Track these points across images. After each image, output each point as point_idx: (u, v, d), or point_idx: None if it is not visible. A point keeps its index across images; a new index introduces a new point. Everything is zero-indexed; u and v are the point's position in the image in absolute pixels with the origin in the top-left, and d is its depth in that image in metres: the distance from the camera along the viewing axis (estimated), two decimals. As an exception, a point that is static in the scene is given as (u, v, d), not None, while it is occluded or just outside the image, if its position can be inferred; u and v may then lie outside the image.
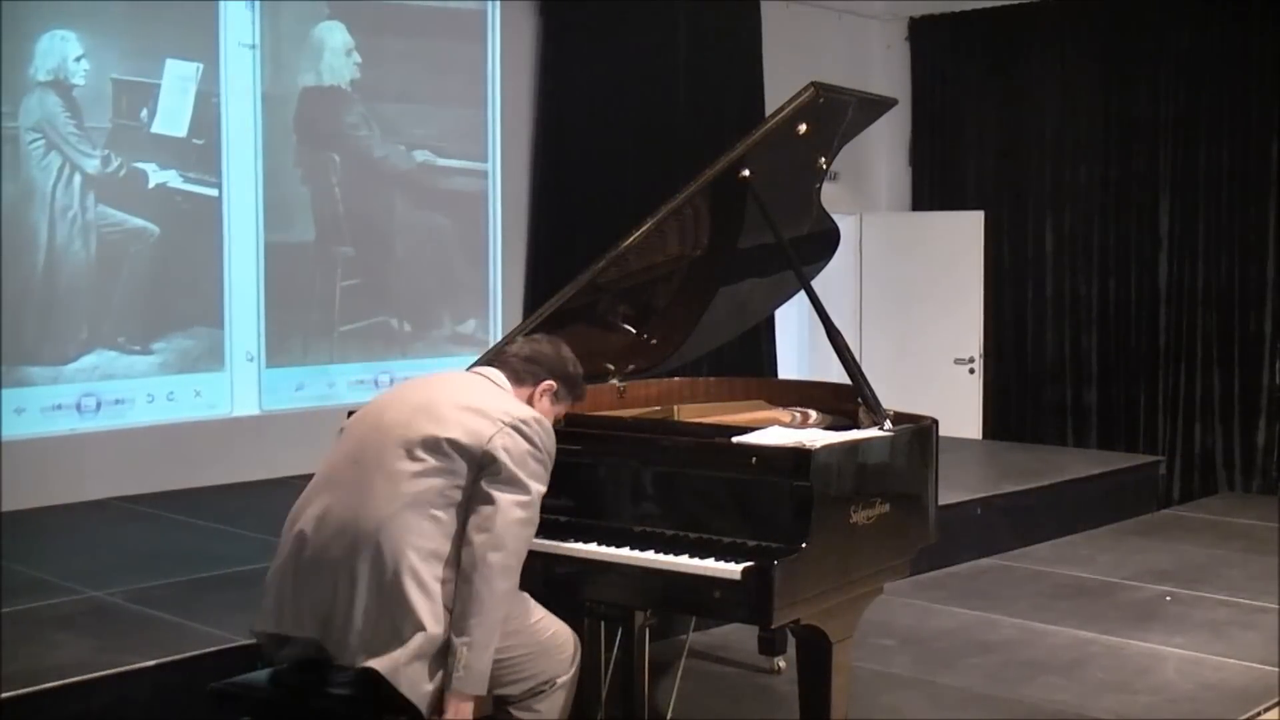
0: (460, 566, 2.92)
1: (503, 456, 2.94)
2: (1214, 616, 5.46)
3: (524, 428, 2.99)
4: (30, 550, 5.30)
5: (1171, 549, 6.68)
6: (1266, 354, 8.56)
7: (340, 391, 7.24)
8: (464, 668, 2.86)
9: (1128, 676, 4.72)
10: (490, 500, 2.93)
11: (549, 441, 3.04)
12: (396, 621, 2.88)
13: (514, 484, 2.95)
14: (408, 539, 2.91)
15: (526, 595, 3.14)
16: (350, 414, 3.29)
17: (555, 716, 3.17)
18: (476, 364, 3.36)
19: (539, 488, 3.00)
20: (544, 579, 3.30)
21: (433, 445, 2.96)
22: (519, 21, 7.94)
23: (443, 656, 2.89)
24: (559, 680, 3.14)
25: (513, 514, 2.93)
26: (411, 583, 2.88)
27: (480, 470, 2.95)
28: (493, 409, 3.01)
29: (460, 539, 2.94)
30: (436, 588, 2.90)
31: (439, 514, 2.93)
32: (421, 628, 2.87)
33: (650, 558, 3.18)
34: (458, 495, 2.96)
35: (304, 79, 7.20)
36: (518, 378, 3.20)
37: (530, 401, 3.18)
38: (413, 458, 2.96)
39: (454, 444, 2.95)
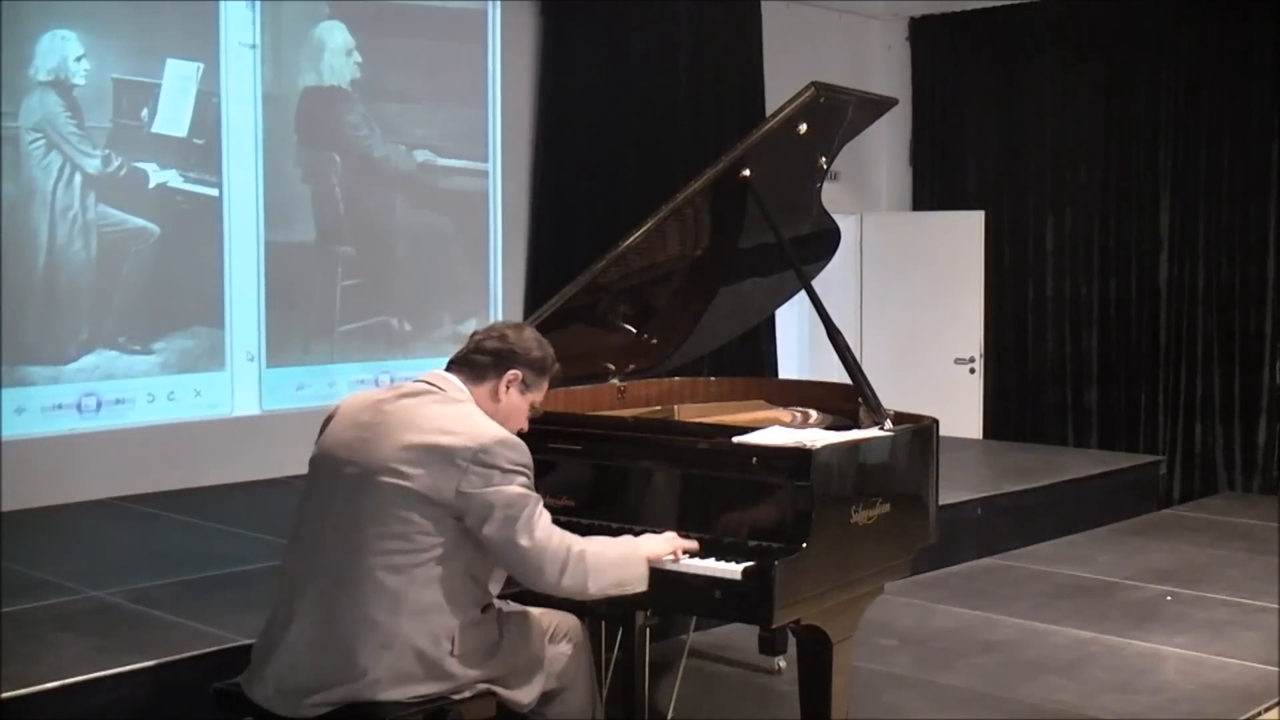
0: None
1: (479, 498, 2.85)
2: (1214, 616, 5.46)
3: (484, 456, 2.86)
4: (30, 550, 5.29)
5: (1171, 549, 6.68)
6: (1266, 354, 8.56)
7: (341, 391, 7.23)
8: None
9: (1128, 676, 4.72)
10: (499, 542, 2.87)
11: (518, 455, 2.91)
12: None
13: (501, 510, 2.87)
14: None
15: (526, 608, 3.14)
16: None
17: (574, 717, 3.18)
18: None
19: (524, 492, 2.90)
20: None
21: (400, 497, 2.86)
22: (519, 21, 7.94)
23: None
24: (568, 684, 3.16)
25: (522, 537, 2.87)
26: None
27: (462, 516, 2.87)
28: (446, 443, 2.87)
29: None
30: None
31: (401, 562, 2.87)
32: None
33: (650, 558, 3.17)
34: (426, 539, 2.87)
35: (304, 79, 7.20)
36: (479, 374, 3.05)
37: (495, 395, 3.05)
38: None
39: (414, 495, 2.85)
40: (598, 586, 2.95)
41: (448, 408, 2.97)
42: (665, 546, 3.11)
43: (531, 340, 3.11)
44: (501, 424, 3.00)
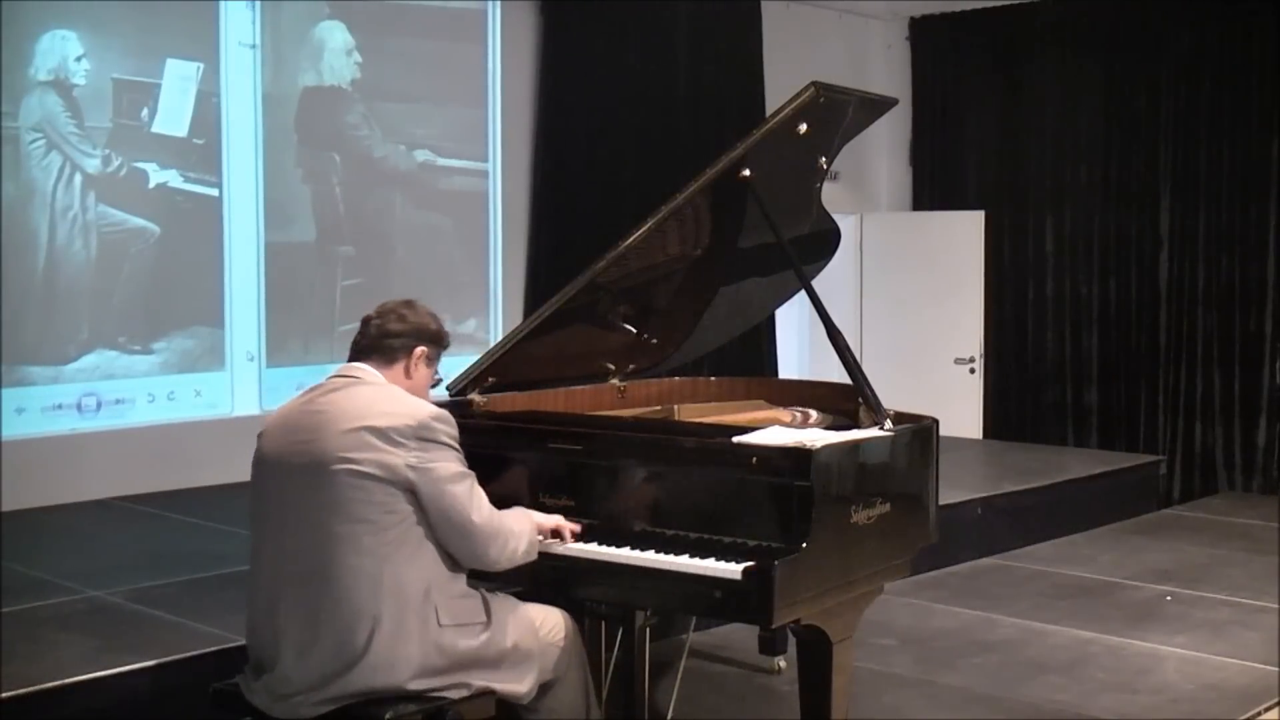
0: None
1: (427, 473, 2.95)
2: (1214, 616, 5.46)
3: (425, 432, 2.97)
4: (30, 550, 5.29)
5: (1171, 549, 6.68)
6: (1266, 354, 8.56)
7: (340, 391, 7.23)
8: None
9: (1128, 676, 4.72)
10: (452, 520, 2.97)
11: (453, 429, 3.03)
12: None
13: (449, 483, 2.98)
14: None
15: (513, 598, 3.17)
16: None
17: (566, 712, 3.18)
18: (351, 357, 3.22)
19: (464, 470, 3.03)
20: (544, 578, 3.31)
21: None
22: (519, 21, 7.94)
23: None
24: (560, 676, 3.17)
25: (474, 514, 3.00)
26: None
27: (415, 491, 2.95)
28: (385, 428, 2.95)
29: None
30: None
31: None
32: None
33: (650, 558, 3.18)
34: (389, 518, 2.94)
35: (304, 79, 7.20)
36: (389, 357, 3.16)
37: (408, 373, 3.16)
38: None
39: (369, 476, 2.92)
40: (520, 557, 3.09)
41: (375, 390, 3.07)
42: (549, 520, 3.26)
43: (426, 315, 3.27)
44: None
